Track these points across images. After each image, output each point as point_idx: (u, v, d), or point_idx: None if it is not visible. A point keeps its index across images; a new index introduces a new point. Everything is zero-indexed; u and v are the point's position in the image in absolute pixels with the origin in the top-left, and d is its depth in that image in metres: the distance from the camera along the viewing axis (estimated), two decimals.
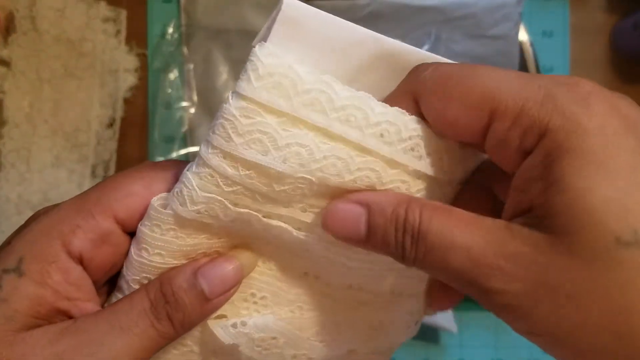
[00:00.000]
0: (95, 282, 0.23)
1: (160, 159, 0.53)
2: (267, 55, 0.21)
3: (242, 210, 0.22)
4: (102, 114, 0.52)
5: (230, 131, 0.21)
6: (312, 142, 0.21)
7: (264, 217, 0.22)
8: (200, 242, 0.23)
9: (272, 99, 0.21)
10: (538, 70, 0.53)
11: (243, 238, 0.24)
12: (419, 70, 0.22)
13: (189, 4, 0.52)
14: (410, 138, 0.22)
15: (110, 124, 0.53)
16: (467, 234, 0.19)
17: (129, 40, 0.53)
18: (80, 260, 0.22)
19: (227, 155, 0.21)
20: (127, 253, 0.23)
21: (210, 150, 0.21)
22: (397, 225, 0.21)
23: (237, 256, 0.24)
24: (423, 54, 0.23)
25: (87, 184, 0.52)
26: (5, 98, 0.51)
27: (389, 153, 0.22)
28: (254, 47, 0.21)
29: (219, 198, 0.21)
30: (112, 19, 0.53)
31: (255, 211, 0.22)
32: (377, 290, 0.26)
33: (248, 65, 0.21)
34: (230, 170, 0.21)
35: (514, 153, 0.20)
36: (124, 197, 0.23)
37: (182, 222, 0.22)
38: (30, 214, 0.51)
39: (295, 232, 0.23)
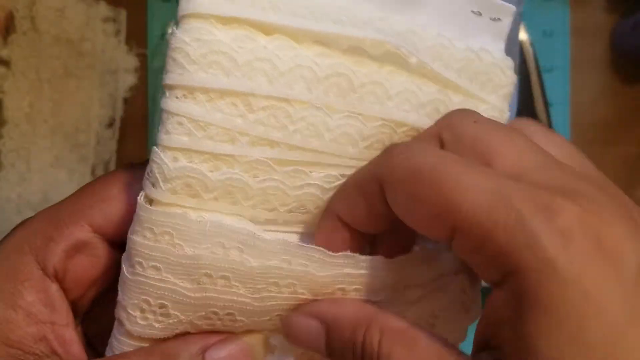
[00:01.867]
0: (76, 303, 0.21)
1: None
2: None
3: (224, 175, 0.19)
4: (102, 114, 0.52)
5: (183, 61, 0.18)
6: (272, 55, 0.19)
7: (248, 171, 0.20)
8: (201, 254, 0.20)
9: (224, 7, 0.18)
10: (538, 70, 0.53)
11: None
12: (392, 152, 0.20)
13: None
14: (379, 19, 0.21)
15: (110, 124, 0.53)
16: None
17: (128, 40, 0.53)
18: (56, 277, 0.20)
19: (187, 90, 0.19)
20: (109, 266, 0.21)
21: (168, 94, 0.19)
22: (354, 351, 0.19)
23: (249, 341, 0.21)
24: None
25: None
26: (5, 98, 0.51)
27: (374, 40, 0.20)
28: None
29: (194, 166, 0.19)
30: (112, 19, 0.53)
31: (239, 160, 0.19)
32: (423, 278, 0.23)
33: None
34: (196, 108, 0.19)
35: (480, 275, 0.18)
36: (99, 202, 0.21)
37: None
38: (31, 214, 0.51)
39: (300, 181, 0.20)
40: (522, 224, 0.15)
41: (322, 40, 0.20)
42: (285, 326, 0.21)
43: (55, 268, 0.20)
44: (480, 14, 0.23)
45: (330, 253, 0.21)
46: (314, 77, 0.20)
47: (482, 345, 0.17)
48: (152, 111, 0.53)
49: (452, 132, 0.19)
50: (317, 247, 0.21)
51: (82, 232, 0.20)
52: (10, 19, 0.52)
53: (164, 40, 0.53)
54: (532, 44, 0.53)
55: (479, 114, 0.20)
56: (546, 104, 0.53)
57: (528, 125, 0.20)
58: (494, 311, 0.17)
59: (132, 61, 0.53)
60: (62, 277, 0.20)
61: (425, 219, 0.18)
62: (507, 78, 0.24)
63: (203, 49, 0.18)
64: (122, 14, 0.53)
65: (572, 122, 0.54)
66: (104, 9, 0.52)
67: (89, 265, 0.21)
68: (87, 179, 0.52)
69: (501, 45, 0.24)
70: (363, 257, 0.21)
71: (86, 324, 0.23)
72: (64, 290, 0.21)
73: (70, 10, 0.52)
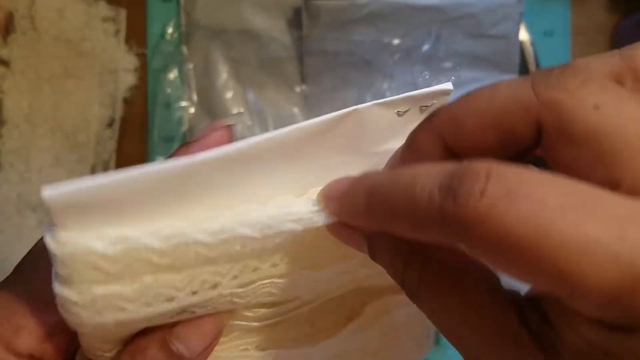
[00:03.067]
0: None
1: (160, 158, 0.53)
2: (59, 244, 0.17)
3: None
4: (101, 114, 0.52)
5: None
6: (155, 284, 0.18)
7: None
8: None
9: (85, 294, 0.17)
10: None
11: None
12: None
13: (189, 3, 0.52)
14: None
15: (110, 124, 0.53)
16: None
17: (128, 39, 0.53)
18: (32, 357, 0.20)
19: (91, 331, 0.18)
20: None
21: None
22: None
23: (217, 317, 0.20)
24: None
25: None
26: (5, 98, 0.51)
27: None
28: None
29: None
30: (112, 19, 0.53)
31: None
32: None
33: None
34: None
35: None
36: None
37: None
38: (30, 214, 0.51)
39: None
40: None
41: None
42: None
43: (30, 352, 0.20)
44: (405, 112, 0.21)
45: None
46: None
47: None
48: (152, 111, 0.53)
49: None
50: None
51: (53, 316, 0.19)
52: (9, 18, 0.52)
53: (163, 39, 0.53)
54: (532, 44, 0.53)
55: None
56: None
57: None
58: None
59: (131, 61, 0.53)
60: (42, 356, 0.20)
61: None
62: None
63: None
64: (122, 14, 0.53)
65: None
66: (103, 9, 0.52)
67: (65, 342, 0.20)
68: None
69: None
70: None
71: None
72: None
73: (70, 10, 0.52)
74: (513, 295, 0.16)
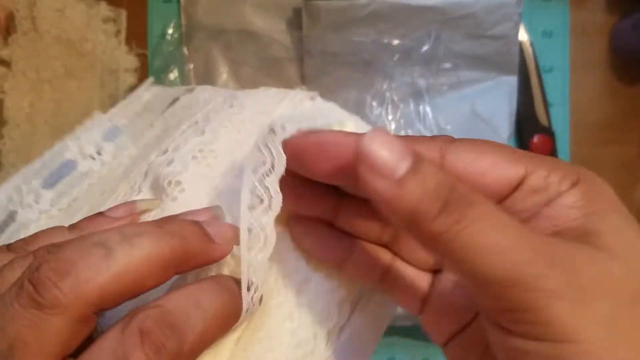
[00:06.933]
0: None
1: None
2: None
3: None
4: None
5: None
6: None
7: None
8: None
9: None
10: (538, 70, 0.53)
11: None
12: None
13: (189, 4, 0.53)
14: None
15: None
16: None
17: (129, 40, 0.53)
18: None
19: None
20: None
21: None
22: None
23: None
24: None
25: None
26: (6, 98, 0.51)
27: None
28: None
29: None
30: (112, 19, 0.53)
31: None
32: None
33: None
34: None
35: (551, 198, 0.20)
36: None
37: None
38: None
39: None
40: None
41: None
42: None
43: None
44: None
45: None
46: None
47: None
48: None
49: None
50: None
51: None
52: (10, 19, 0.52)
53: (164, 40, 0.54)
54: (531, 44, 0.53)
55: None
56: (546, 104, 0.53)
57: None
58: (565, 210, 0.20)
59: (132, 61, 0.53)
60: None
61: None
62: None
63: None
64: (123, 15, 0.53)
65: (571, 122, 0.55)
66: (104, 10, 0.53)
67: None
68: None
69: None
70: None
71: None
72: None
73: (71, 11, 0.52)
74: None
